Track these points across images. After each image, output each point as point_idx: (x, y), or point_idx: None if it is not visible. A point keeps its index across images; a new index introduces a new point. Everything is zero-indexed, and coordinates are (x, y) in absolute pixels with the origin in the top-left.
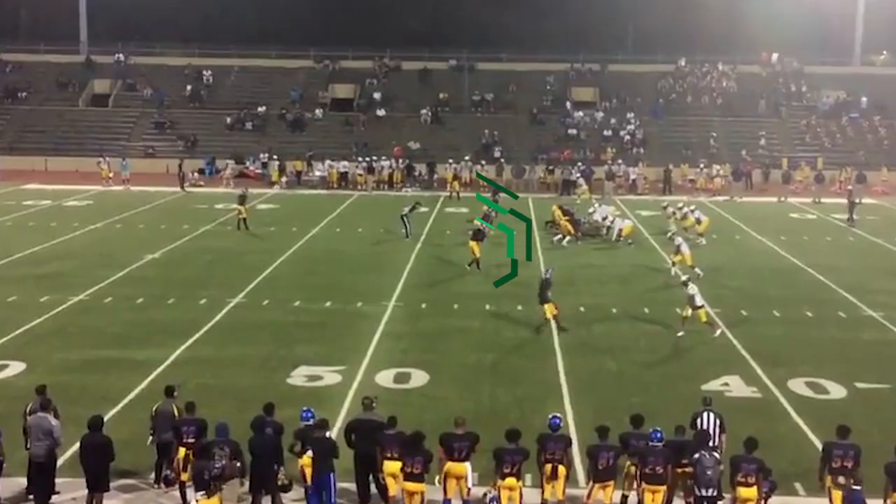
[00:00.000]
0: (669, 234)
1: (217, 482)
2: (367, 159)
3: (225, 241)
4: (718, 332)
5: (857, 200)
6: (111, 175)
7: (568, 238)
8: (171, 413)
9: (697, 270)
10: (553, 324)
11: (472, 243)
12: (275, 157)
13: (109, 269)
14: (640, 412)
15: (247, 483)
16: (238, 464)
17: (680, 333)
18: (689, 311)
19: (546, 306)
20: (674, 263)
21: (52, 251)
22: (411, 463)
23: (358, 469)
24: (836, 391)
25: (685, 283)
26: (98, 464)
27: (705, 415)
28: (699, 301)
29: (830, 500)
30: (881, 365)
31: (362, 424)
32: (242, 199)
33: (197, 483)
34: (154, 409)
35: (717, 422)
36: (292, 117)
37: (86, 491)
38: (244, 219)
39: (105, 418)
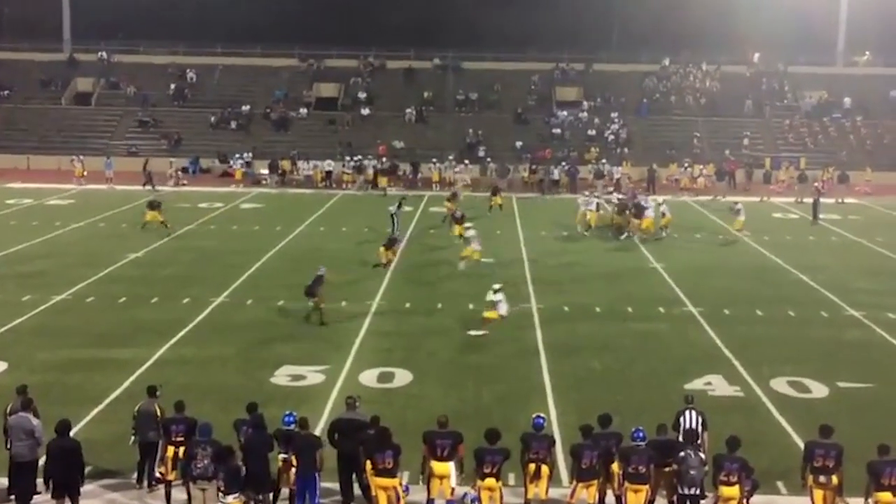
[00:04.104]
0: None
1: (200, 481)
2: (356, 159)
3: (208, 240)
4: (481, 333)
5: (839, 200)
6: (85, 174)
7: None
8: (153, 413)
9: (485, 260)
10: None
11: (382, 249)
12: (247, 154)
13: (92, 269)
14: (609, 411)
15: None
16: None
17: (477, 332)
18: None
19: (313, 300)
20: (462, 258)
21: (34, 250)
22: (381, 459)
23: (341, 469)
24: (819, 390)
25: (495, 290)
26: (66, 469)
27: (687, 413)
28: (503, 310)
29: (812, 499)
30: (863, 364)
31: (345, 424)
32: (154, 205)
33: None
34: (136, 408)
35: (700, 420)
36: (276, 116)
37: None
38: (162, 222)
39: (87, 418)
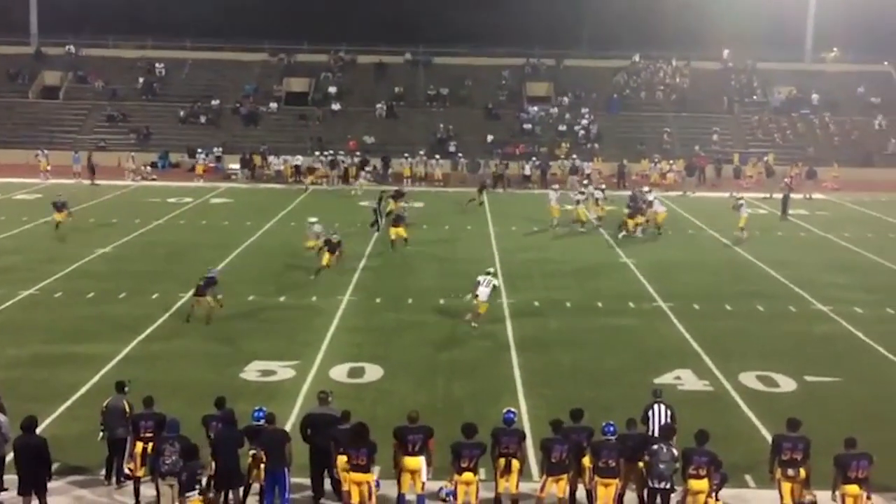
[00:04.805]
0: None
1: (169, 477)
2: (330, 153)
3: (177, 235)
4: (475, 324)
5: (807, 196)
6: (49, 168)
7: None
8: (122, 409)
9: None
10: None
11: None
12: (217, 148)
13: (59, 264)
14: (579, 406)
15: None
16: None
17: (474, 325)
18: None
19: (202, 299)
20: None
21: (1, 245)
22: (356, 455)
23: (313, 463)
24: (787, 384)
25: (490, 274)
26: (34, 466)
27: (656, 407)
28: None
29: (780, 492)
30: (831, 358)
31: (317, 419)
32: (59, 206)
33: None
34: (105, 404)
35: (668, 413)
36: (246, 111)
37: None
38: (59, 223)
39: (55, 414)
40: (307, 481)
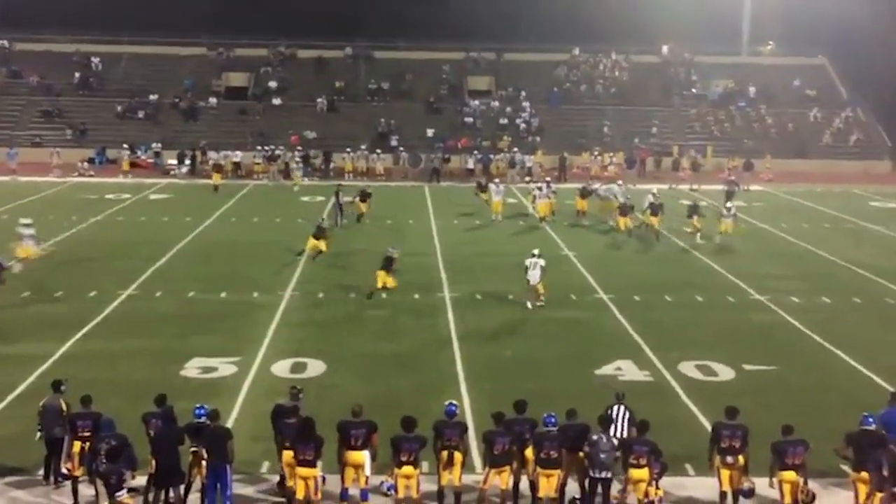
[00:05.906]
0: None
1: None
2: (268, 148)
3: (116, 233)
4: (541, 303)
5: (745, 188)
6: None
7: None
8: (58, 408)
9: None
10: None
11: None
12: (156, 144)
13: None
14: (524, 398)
15: (137, 477)
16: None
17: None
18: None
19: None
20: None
21: None
22: (304, 450)
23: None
24: (725, 373)
25: (535, 255)
26: None
27: (616, 408)
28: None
29: (719, 480)
30: (768, 347)
31: (276, 410)
32: None
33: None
34: (41, 404)
35: (627, 415)
36: (185, 106)
37: None
38: None
39: None
40: (248, 476)
